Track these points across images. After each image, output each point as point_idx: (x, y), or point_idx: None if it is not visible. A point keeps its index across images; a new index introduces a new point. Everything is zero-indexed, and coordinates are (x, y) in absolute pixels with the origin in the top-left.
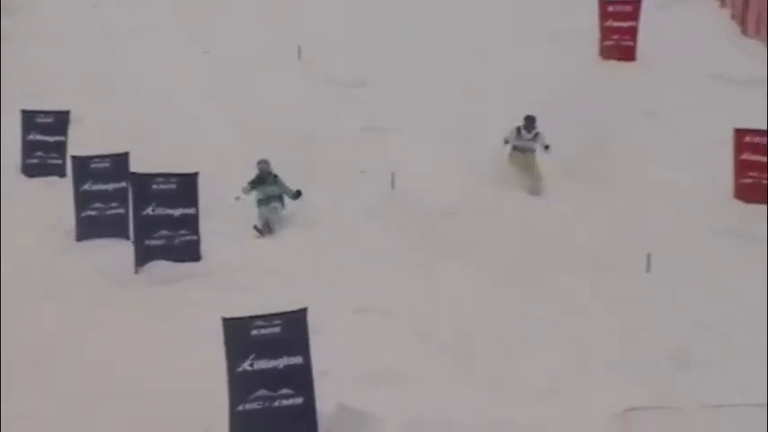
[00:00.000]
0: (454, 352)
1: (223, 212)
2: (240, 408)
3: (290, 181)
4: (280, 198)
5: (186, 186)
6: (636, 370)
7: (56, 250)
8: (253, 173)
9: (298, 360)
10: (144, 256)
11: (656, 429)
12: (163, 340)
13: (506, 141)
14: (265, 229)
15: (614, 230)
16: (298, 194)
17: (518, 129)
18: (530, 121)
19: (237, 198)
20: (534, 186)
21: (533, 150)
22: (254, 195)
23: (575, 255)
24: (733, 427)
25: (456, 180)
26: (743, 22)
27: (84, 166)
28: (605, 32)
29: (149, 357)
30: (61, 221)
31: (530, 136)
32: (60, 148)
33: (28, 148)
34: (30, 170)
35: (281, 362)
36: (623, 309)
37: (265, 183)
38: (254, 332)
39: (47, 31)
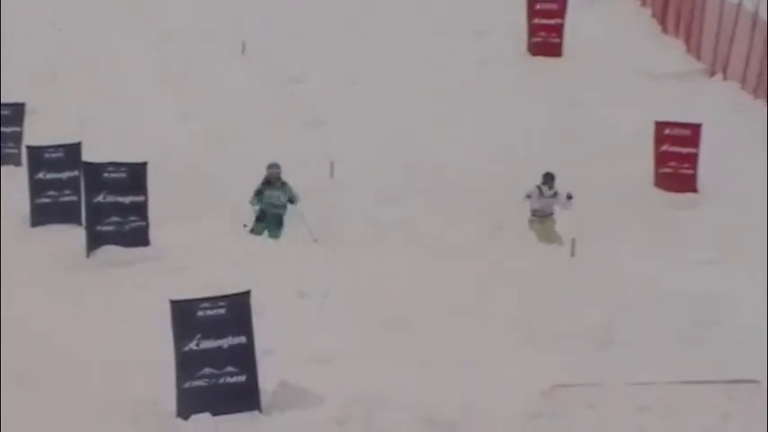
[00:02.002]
0: (389, 332)
1: (170, 200)
2: (187, 385)
3: (232, 171)
4: (284, 207)
5: (136, 175)
6: (562, 349)
7: (11, 235)
8: (200, 163)
9: (241, 340)
10: (95, 242)
11: (581, 405)
12: (113, 321)
13: (528, 196)
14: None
15: None
16: (292, 201)
17: (538, 187)
18: (549, 178)
19: (245, 226)
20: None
21: (552, 213)
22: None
23: (503, 239)
24: (655, 403)
25: (392, 169)
26: (663, 21)
27: (38, 156)
28: (533, 29)
29: (100, 337)
30: (17, 208)
31: (550, 193)
32: (16, 138)
33: None
34: None
35: (226, 342)
36: (549, 291)
37: (272, 187)
38: (200, 313)
39: None
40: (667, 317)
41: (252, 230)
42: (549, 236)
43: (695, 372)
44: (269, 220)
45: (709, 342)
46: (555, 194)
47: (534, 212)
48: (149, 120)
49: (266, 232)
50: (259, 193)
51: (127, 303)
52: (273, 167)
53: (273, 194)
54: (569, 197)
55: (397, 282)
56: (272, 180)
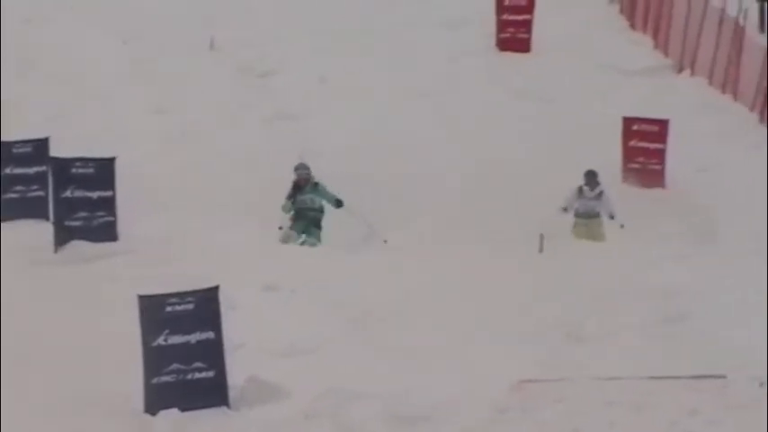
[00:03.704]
0: (357, 326)
1: (140, 194)
2: (155, 380)
3: (202, 165)
4: (320, 211)
5: (104, 170)
6: (530, 344)
7: None
8: (170, 158)
9: (209, 335)
10: (63, 237)
11: (549, 400)
12: (81, 316)
13: (565, 209)
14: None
15: (509, 213)
16: (339, 204)
17: (579, 188)
18: (592, 177)
19: (281, 228)
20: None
21: (598, 215)
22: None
23: (475, 237)
24: (623, 398)
25: (361, 163)
26: (631, 16)
27: (6, 152)
28: (502, 25)
29: (69, 332)
30: None
31: (593, 194)
32: None
33: None
34: None
35: (194, 337)
36: (518, 287)
37: (303, 191)
38: (168, 308)
39: None
40: (636, 312)
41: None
42: (596, 237)
43: (663, 366)
44: (306, 224)
45: (678, 337)
46: (599, 194)
47: (577, 213)
48: (118, 115)
49: (303, 236)
50: (291, 198)
51: (95, 298)
52: (302, 168)
53: (306, 198)
54: (612, 217)
55: (367, 278)
56: (302, 183)
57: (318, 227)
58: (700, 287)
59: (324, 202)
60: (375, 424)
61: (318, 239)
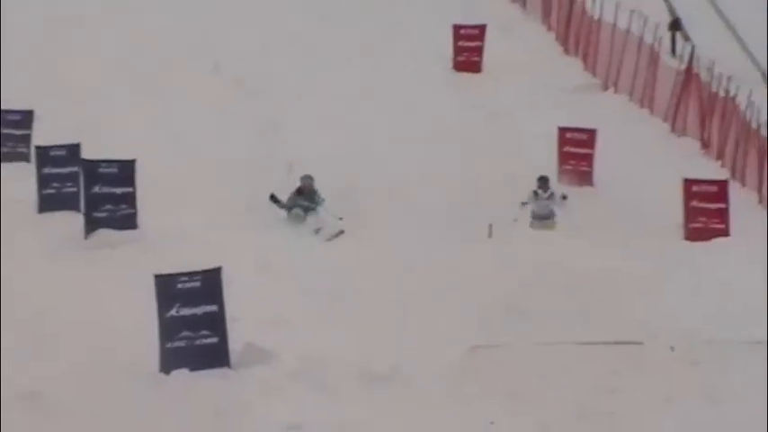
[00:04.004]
0: (334, 303)
1: (154, 192)
2: (168, 345)
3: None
4: (314, 210)
5: (125, 170)
6: (479, 317)
7: (22, 220)
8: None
9: (214, 308)
10: (92, 226)
11: (493, 363)
12: (106, 292)
13: (524, 203)
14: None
15: (463, 204)
16: (321, 202)
17: (534, 191)
18: (544, 182)
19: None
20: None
21: (553, 216)
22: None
23: (432, 227)
24: (556, 360)
25: (341, 167)
26: (564, 43)
27: (45, 154)
28: (457, 50)
29: (95, 305)
30: (27, 198)
31: (545, 195)
32: (26, 139)
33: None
34: (1, 158)
35: (201, 309)
36: (469, 268)
37: (303, 197)
38: (180, 285)
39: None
40: (568, 290)
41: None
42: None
43: (590, 334)
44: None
45: (602, 310)
46: (551, 196)
47: (534, 215)
48: (136, 125)
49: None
50: (291, 200)
51: (118, 277)
52: (307, 179)
53: (304, 203)
54: (564, 197)
55: (341, 262)
56: (306, 190)
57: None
58: (620, 269)
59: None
60: (348, 382)
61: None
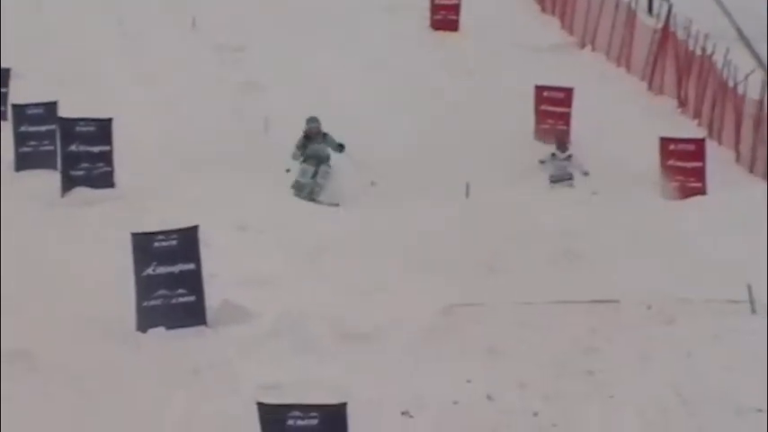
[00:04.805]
0: (313, 261)
1: (131, 150)
2: (145, 304)
3: (182, 126)
4: (328, 158)
5: (103, 128)
6: (456, 275)
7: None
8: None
9: (191, 266)
10: (69, 184)
11: (471, 321)
12: (83, 249)
13: (542, 162)
14: (305, 192)
15: (439, 163)
16: (341, 148)
17: (552, 153)
18: (562, 143)
19: (288, 170)
20: None
21: (571, 178)
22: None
23: (411, 187)
24: (533, 319)
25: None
26: (541, 1)
27: (22, 112)
28: (434, 9)
29: (72, 263)
30: (3, 156)
31: (563, 156)
32: (3, 97)
33: None
34: None
35: (177, 268)
36: (447, 227)
37: (313, 141)
38: (156, 244)
39: None
40: (543, 248)
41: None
42: None
43: (567, 293)
44: (317, 162)
45: (579, 269)
46: (569, 157)
47: (551, 178)
48: (113, 83)
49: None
50: (302, 148)
51: (95, 235)
52: (313, 122)
53: (316, 147)
54: (586, 173)
55: (319, 221)
56: (312, 135)
57: (329, 164)
58: (595, 227)
59: (329, 150)
60: (327, 340)
61: (330, 167)
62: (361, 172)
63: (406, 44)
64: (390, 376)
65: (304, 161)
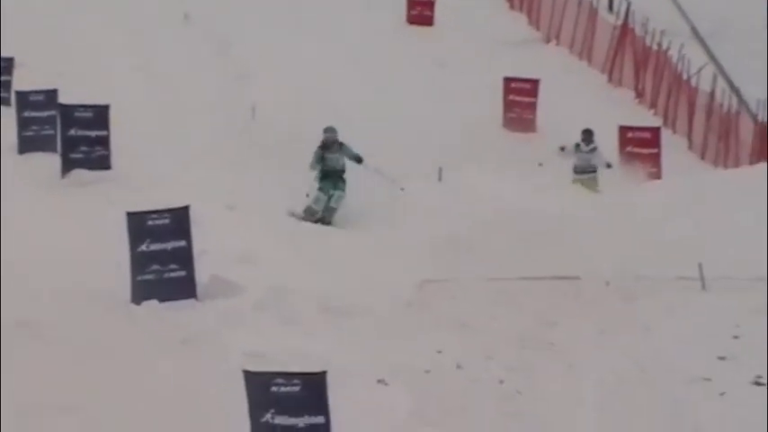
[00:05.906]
0: (296, 239)
1: (128, 134)
2: (139, 278)
3: (176, 112)
4: (344, 170)
5: (100, 114)
6: (430, 254)
7: (3, 160)
8: (150, 106)
9: (182, 243)
10: (68, 166)
11: (444, 296)
12: (82, 228)
13: (562, 149)
14: (313, 214)
15: (414, 148)
16: (359, 160)
17: (576, 144)
18: (587, 135)
19: (307, 195)
20: None
21: (594, 170)
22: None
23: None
24: (501, 294)
25: (301, 113)
26: None
27: (25, 99)
28: (411, 4)
29: (71, 240)
30: (7, 140)
31: (588, 149)
32: (7, 85)
33: None
34: None
35: (170, 244)
36: (420, 208)
37: (330, 150)
38: (150, 222)
39: None
40: (512, 229)
41: (310, 215)
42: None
43: (531, 270)
44: (334, 181)
45: (543, 247)
46: (593, 150)
47: (575, 169)
48: (111, 72)
49: (334, 192)
50: (320, 161)
51: (92, 215)
52: (330, 131)
53: (333, 157)
54: (608, 165)
55: (302, 200)
56: (329, 144)
57: (344, 181)
58: (562, 208)
59: (346, 160)
60: (309, 314)
61: (344, 191)
62: None
63: (383, 38)
64: (367, 347)
65: (322, 179)
